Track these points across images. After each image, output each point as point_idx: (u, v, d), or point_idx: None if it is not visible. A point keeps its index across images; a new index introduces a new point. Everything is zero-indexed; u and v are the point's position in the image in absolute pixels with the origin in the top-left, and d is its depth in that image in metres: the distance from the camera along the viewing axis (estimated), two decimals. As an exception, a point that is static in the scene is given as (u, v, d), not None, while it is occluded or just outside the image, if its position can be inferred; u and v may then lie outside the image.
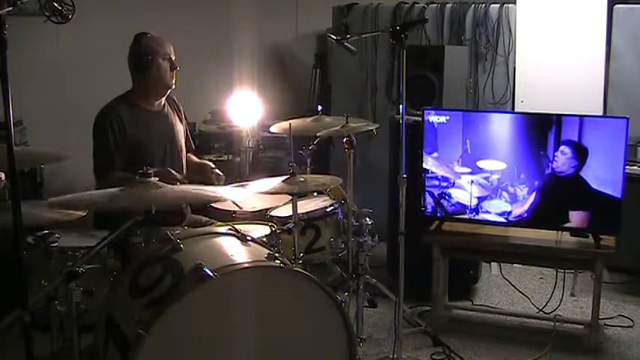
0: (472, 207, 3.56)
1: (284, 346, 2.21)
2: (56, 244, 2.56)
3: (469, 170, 3.54)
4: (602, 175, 3.33)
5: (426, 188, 3.60)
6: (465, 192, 3.56)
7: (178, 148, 3.37)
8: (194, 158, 3.54)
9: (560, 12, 4.41)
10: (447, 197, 3.57)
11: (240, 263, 2.21)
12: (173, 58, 3.23)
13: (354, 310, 3.27)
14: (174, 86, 3.27)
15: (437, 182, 3.59)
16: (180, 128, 3.41)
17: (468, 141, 3.52)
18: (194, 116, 4.85)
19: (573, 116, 3.41)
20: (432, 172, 3.59)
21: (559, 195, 3.43)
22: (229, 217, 3.13)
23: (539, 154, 3.43)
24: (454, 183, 3.56)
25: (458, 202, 3.57)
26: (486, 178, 3.52)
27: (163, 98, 3.31)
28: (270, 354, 2.19)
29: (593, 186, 3.35)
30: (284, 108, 5.19)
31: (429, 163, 3.58)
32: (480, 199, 3.55)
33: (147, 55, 3.15)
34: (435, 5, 4.80)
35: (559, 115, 3.43)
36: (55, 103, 4.72)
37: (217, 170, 3.35)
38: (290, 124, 3.02)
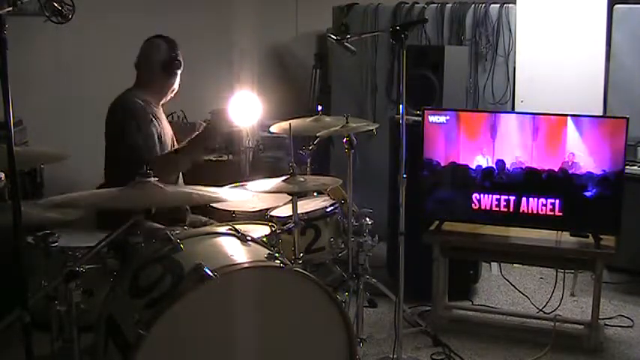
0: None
1: (284, 346, 2.21)
2: (56, 244, 2.55)
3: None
4: (601, 174, 3.33)
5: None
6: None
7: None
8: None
9: (560, 12, 4.41)
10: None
11: (240, 263, 2.20)
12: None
13: (354, 310, 3.27)
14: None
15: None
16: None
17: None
18: (194, 116, 4.85)
19: (573, 116, 3.41)
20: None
21: (559, 195, 3.43)
22: (229, 217, 3.13)
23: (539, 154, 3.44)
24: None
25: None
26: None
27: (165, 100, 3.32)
28: (270, 354, 2.19)
29: (593, 185, 3.35)
30: (284, 108, 5.17)
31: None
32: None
33: (178, 60, 3.18)
34: (435, 5, 4.80)
35: (558, 115, 3.43)
36: (55, 104, 4.71)
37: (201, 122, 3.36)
38: (290, 124, 3.02)
